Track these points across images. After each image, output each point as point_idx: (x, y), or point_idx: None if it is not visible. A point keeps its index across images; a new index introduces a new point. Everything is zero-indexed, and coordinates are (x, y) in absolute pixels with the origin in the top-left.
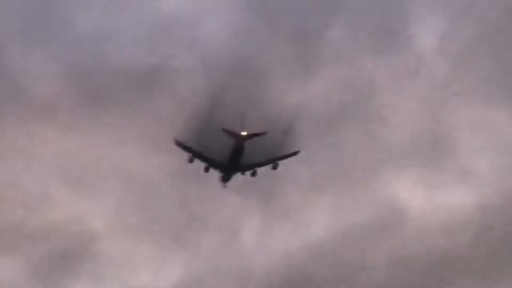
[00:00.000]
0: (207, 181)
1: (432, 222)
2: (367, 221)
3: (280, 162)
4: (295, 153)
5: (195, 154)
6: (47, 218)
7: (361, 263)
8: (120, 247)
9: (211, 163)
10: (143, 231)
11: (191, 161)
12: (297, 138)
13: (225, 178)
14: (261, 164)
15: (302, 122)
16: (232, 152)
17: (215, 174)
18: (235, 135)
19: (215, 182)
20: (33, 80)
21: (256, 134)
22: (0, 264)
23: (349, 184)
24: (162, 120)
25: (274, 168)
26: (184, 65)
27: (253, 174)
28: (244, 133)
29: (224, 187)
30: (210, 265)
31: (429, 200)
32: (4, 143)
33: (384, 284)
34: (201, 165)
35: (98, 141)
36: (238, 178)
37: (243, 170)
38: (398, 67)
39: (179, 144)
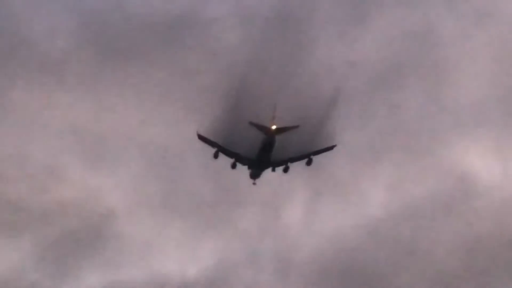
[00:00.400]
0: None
1: (508, 197)
2: (430, 196)
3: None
4: (331, 147)
5: (220, 148)
6: (57, 195)
7: (423, 246)
8: (141, 228)
9: (238, 159)
10: (167, 208)
11: (216, 156)
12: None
13: (255, 174)
14: (294, 160)
15: (354, 80)
16: (262, 147)
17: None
18: (264, 129)
19: None
20: (40, 33)
21: (288, 128)
22: (5, 246)
23: (410, 154)
24: (189, 77)
25: (309, 163)
26: (216, 12)
27: (285, 170)
28: (274, 127)
29: (254, 184)
30: (247, 249)
31: (504, 172)
32: (6, 109)
33: (450, 271)
34: (228, 160)
35: (115, 105)
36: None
37: (274, 165)
38: (469, 13)
39: (202, 138)
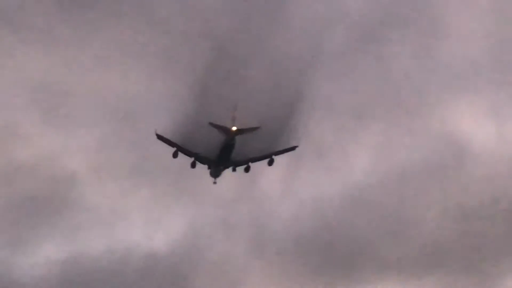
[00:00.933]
0: None
1: (502, 162)
2: (419, 160)
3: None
4: (293, 148)
5: (179, 148)
6: (13, 157)
7: (412, 214)
8: (105, 194)
9: (198, 158)
10: (134, 173)
11: (175, 156)
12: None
13: (215, 174)
14: (255, 159)
15: (338, 36)
16: (222, 147)
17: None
18: (224, 130)
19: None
20: None
21: (249, 129)
22: None
23: (398, 115)
24: (161, 29)
25: (270, 163)
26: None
27: (247, 169)
28: (234, 128)
29: (214, 183)
30: (220, 217)
31: (499, 134)
32: None
33: (440, 240)
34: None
35: (79, 59)
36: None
37: (234, 165)
38: None
39: (160, 137)
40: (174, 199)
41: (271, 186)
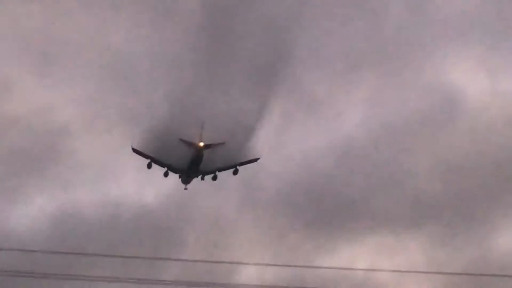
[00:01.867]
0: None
1: (494, 115)
2: (411, 114)
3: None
4: (255, 160)
5: (153, 160)
6: (4, 109)
7: (402, 169)
8: (96, 146)
9: (170, 168)
10: (126, 126)
11: (149, 166)
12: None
13: (185, 181)
14: (222, 169)
15: None
16: (191, 160)
17: None
18: (193, 145)
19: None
20: None
21: (215, 144)
22: None
23: (389, 67)
24: None
25: (235, 173)
26: None
27: (214, 178)
28: (201, 144)
29: (185, 189)
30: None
31: (492, 88)
32: None
33: (430, 196)
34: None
35: (69, 8)
36: None
37: (203, 174)
38: None
39: (136, 151)
40: None
41: (260, 140)
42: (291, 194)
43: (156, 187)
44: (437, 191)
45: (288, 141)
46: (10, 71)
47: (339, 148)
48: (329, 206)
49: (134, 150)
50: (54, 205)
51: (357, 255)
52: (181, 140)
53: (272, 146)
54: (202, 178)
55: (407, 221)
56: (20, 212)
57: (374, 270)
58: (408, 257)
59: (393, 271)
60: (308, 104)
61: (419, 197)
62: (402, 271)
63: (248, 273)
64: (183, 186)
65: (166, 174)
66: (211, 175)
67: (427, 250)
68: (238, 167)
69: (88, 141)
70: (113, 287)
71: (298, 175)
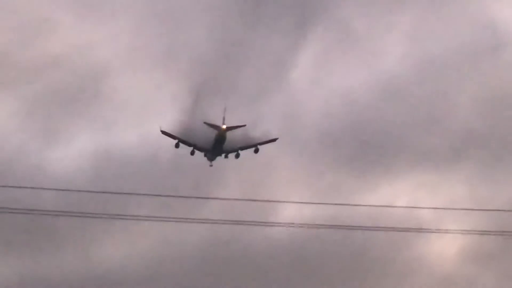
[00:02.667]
0: None
1: None
2: (454, 48)
3: None
4: (274, 140)
5: (180, 140)
6: (45, 49)
7: (444, 105)
8: (136, 86)
9: (196, 148)
10: (167, 65)
11: (177, 146)
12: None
13: (210, 158)
14: (244, 148)
15: None
16: (215, 141)
17: None
18: (217, 128)
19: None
20: None
21: (236, 126)
22: None
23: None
24: None
25: (256, 152)
26: None
27: (237, 156)
28: (224, 126)
29: (211, 165)
30: (249, 111)
31: None
32: None
33: (473, 128)
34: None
35: None
36: None
37: (226, 153)
38: None
39: (165, 133)
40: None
41: (300, 77)
42: (331, 131)
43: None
44: (481, 125)
45: (328, 78)
46: (50, 9)
47: (380, 84)
48: (370, 143)
49: (163, 132)
50: (95, 145)
51: (398, 192)
52: (205, 123)
53: (312, 82)
54: (226, 156)
55: (449, 156)
56: (61, 152)
57: (415, 207)
58: (450, 194)
59: (435, 208)
60: (349, 39)
61: (462, 132)
62: (443, 208)
63: (287, 212)
64: (209, 163)
65: (192, 153)
66: (234, 154)
67: (470, 186)
68: (258, 146)
69: (129, 80)
70: (154, 226)
71: (338, 111)
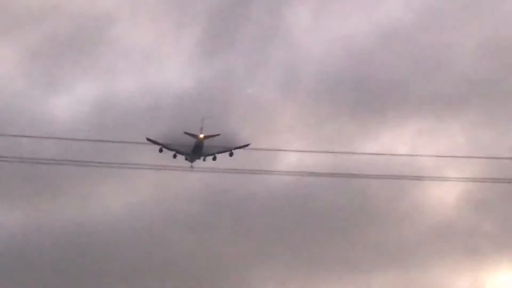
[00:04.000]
0: None
1: None
2: None
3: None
4: (246, 145)
5: (163, 146)
6: None
7: (446, 50)
8: (139, 34)
9: (177, 152)
10: (171, 14)
11: (160, 151)
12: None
13: (191, 161)
14: (220, 152)
15: None
16: (194, 147)
17: None
18: (195, 136)
19: None
20: None
21: (212, 135)
22: None
23: None
24: None
25: (231, 155)
26: None
27: (214, 158)
28: (202, 135)
29: (191, 167)
30: (250, 60)
31: None
32: None
33: (474, 75)
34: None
35: None
36: None
37: (205, 156)
38: None
39: (150, 140)
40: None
41: (300, 23)
42: (333, 79)
43: (197, 72)
44: (482, 73)
45: (328, 24)
46: None
47: (381, 31)
48: (371, 90)
49: (148, 139)
50: (96, 93)
51: (399, 139)
52: (185, 133)
53: (312, 29)
54: (204, 160)
55: (450, 104)
56: (62, 100)
57: (415, 155)
58: (450, 141)
59: (435, 156)
60: None
61: (463, 79)
62: (444, 156)
63: (288, 160)
64: (189, 164)
65: (174, 156)
66: (211, 157)
67: (470, 133)
68: (233, 150)
69: (131, 28)
70: (155, 175)
71: (339, 59)
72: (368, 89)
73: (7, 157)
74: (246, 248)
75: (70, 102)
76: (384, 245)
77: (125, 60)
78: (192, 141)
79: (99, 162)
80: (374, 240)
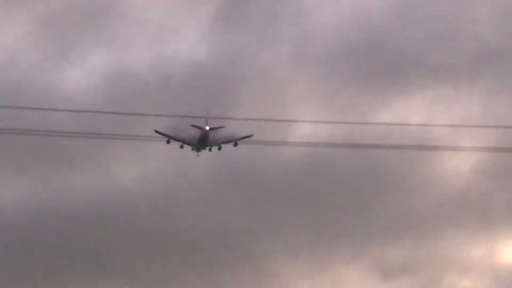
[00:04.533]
0: None
1: None
2: None
3: None
4: (250, 136)
5: (170, 137)
6: None
7: (461, 17)
8: (153, 5)
9: (184, 142)
10: None
11: (168, 142)
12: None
13: (197, 150)
14: (225, 143)
15: None
16: (200, 138)
17: None
18: (201, 129)
19: None
20: None
21: (217, 127)
22: (4, 21)
23: None
24: None
25: (235, 145)
26: None
27: (219, 148)
28: (207, 128)
29: (197, 155)
30: (264, 31)
31: None
32: None
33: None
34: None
35: None
36: None
37: (210, 146)
38: None
39: (158, 132)
40: (218, 16)
41: None
42: (345, 49)
43: (210, 44)
44: (498, 41)
45: None
46: None
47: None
48: (385, 60)
49: (156, 131)
50: (108, 64)
51: (413, 109)
52: (192, 125)
53: None
54: (210, 150)
55: (465, 72)
56: (75, 72)
57: (429, 125)
58: (465, 110)
59: (449, 125)
60: None
61: (478, 47)
62: (458, 126)
63: (302, 131)
64: (196, 153)
65: (181, 147)
66: (217, 147)
67: (485, 102)
68: (237, 141)
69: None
70: (167, 147)
71: (351, 28)
72: (382, 58)
73: (20, 129)
74: (259, 219)
75: (82, 73)
76: (399, 215)
77: (138, 31)
78: (197, 134)
79: (110, 134)
80: (388, 210)
